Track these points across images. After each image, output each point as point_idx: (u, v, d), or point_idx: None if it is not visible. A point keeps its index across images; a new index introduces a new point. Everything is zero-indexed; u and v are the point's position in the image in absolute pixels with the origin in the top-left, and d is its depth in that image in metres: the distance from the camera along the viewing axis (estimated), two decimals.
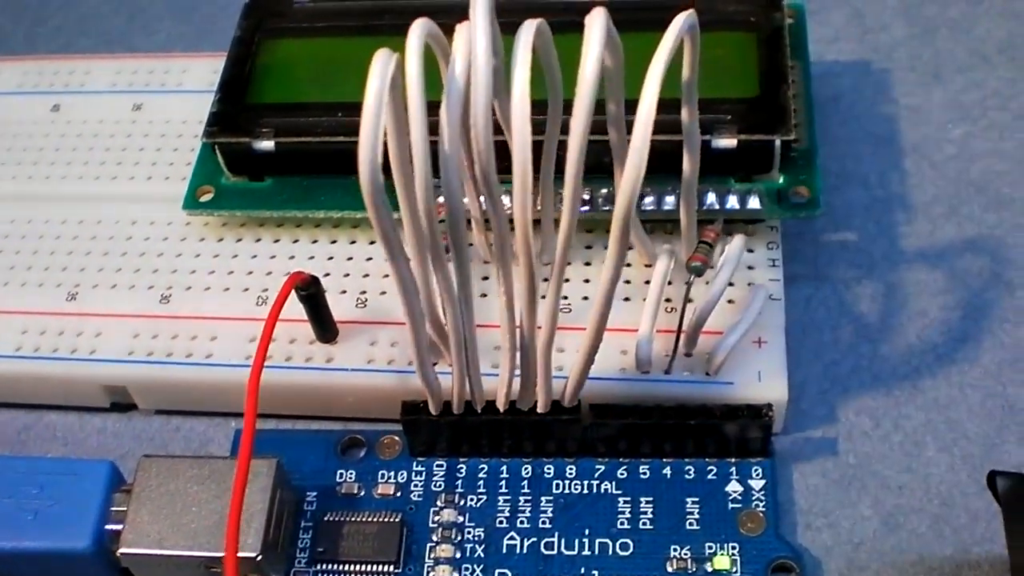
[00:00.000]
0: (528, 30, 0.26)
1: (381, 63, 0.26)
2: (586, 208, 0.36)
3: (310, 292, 0.34)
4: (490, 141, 0.26)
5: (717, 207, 0.35)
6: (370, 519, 0.33)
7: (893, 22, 0.45)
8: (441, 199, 0.26)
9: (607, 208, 0.35)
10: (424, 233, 0.27)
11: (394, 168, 0.27)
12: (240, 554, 0.30)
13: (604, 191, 0.36)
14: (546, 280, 0.30)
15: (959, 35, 0.44)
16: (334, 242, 0.38)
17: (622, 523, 0.33)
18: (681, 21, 0.27)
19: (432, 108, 0.25)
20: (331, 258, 0.38)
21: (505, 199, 0.27)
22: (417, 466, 0.35)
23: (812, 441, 0.35)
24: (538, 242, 0.33)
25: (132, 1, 0.50)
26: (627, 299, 0.36)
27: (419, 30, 0.26)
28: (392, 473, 0.35)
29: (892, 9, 0.45)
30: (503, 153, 0.26)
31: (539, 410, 0.33)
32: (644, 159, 0.26)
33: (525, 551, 0.33)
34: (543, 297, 0.29)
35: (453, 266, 0.28)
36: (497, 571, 0.33)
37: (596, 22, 0.26)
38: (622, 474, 0.34)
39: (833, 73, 0.43)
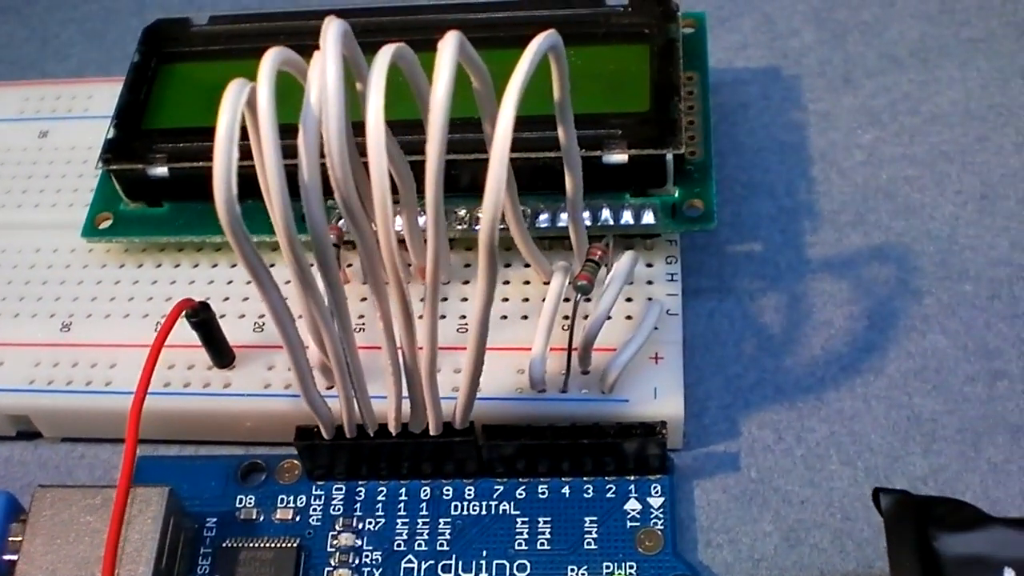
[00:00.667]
0: (385, 56, 0.26)
1: (233, 94, 0.25)
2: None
3: (200, 318, 0.34)
4: (347, 168, 0.26)
5: (612, 222, 0.35)
6: (267, 545, 0.33)
7: (803, 27, 0.44)
8: None
9: (503, 227, 0.35)
10: (290, 259, 0.27)
11: (264, 196, 0.27)
12: None
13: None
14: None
15: (870, 38, 0.44)
16: (234, 266, 0.38)
17: (520, 544, 0.33)
18: (541, 40, 0.27)
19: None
20: (230, 282, 0.37)
21: None
22: (316, 490, 0.34)
23: (714, 456, 0.35)
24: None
25: (45, 27, 0.50)
26: (525, 317, 0.36)
27: (271, 60, 0.26)
28: (291, 498, 0.34)
29: (802, 14, 0.45)
30: None
31: (431, 432, 0.32)
32: (503, 180, 0.26)
33: (422, 574, 0.33)
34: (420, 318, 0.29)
35: (326, 291, 0.28)
36: None
37: (448, 46, 0.26)
38: (520, 494, 0.34)
39: (741, 81, 0.43)
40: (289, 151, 0.25)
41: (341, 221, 0.34)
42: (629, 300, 0.35)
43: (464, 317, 0.36)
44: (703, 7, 0.41)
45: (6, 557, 0.32)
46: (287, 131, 0.25)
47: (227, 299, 0.37)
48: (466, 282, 0.36)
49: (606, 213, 0.35)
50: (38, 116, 0.43)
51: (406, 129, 0.30)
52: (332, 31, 0.26)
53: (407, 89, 0.28)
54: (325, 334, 0.29)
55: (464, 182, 0.35)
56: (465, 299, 0.36)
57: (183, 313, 0.33)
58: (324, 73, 0.25)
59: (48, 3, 0.51)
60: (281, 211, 0.26)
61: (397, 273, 0.27)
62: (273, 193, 0.26)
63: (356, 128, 0.26)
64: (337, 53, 0.25)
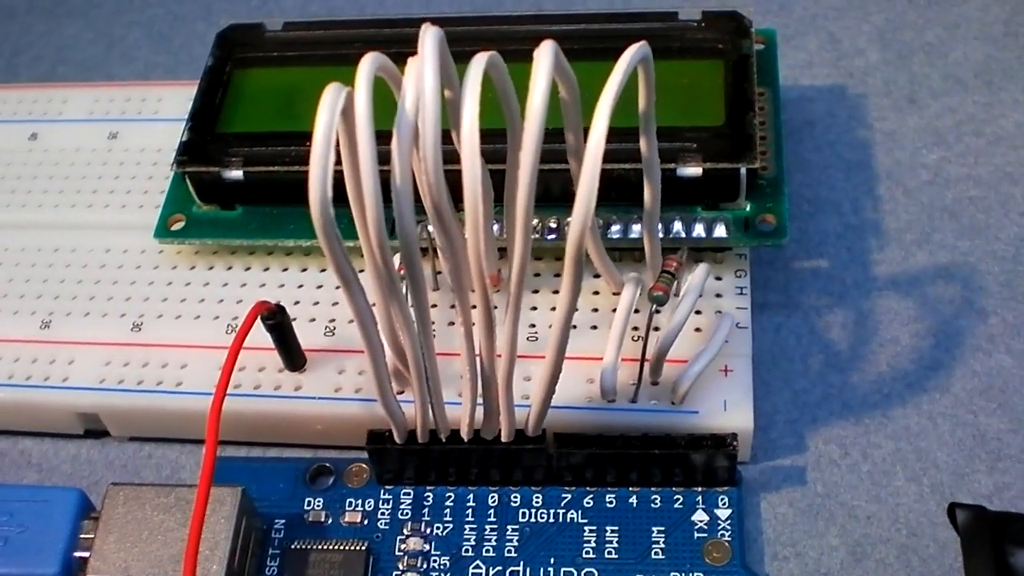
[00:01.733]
0: (479, 64, 0.26)
1: (330, 98, 0.26)
2: (553, 236, 0.36)
3: (275, 321, 0.34)
4: (440, 175, 0.26)
5: (684, 235, 0.35)
6: (336, 547, 0.33)
7: (868, 47, 0.45)
8: None
9: None
10: (379, 263, 0.27)
11: (351, 200, 0.27)
12: None
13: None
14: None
15: (935, 59, 0.44)
16: (304, 270, 0.38)
17: (587, 552, 0.33)
18: (633, 52, 0.27)
19: (389, 138, 0.25)
20: (301, 286, 0.38)
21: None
22: (384, 494, 0.35)
23: (780, 470, 0.35)
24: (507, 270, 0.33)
25: (110, 31, 0.51)
26: (595, 327, 0.36)
27: (369, 65, 0.26)
28: (359, 501, 0.35)
29: (867, 34, 0.45)
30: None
31: (503, 439, 0.33)
32: (594, 189, 0.26)
33: None
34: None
35: (410, 296, 0.28)
36: None
37: (544, 55, 0.26)
38: (588, 503, 0.34)
39: (807, 98, 0.43)
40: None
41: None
42: (698, 312, 0.35)
43: (534, 326, 0.36)
44: (769, 25, 0.41)
45: (78, 554, 0.32)
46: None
47: (297, 303, 0.37)
48: (535, 291, 0.37)
49: (678, 226, 0.35)
50: (108, 117, 0.43)
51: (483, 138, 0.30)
52: (430, 38, 0.26)
53: (485, 97, 0.28)
54: (406, 339, 0.29)
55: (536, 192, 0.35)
56: (534, 308, 0.36)
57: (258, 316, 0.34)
58: (422, 79, 0.26)
59: (114, 6, 0.51)
60: (374, 215, 0.26)
61: (483, 280, 0.28)
62: (367, 197, 0.26)
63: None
64: (435, 59, 0.26)
